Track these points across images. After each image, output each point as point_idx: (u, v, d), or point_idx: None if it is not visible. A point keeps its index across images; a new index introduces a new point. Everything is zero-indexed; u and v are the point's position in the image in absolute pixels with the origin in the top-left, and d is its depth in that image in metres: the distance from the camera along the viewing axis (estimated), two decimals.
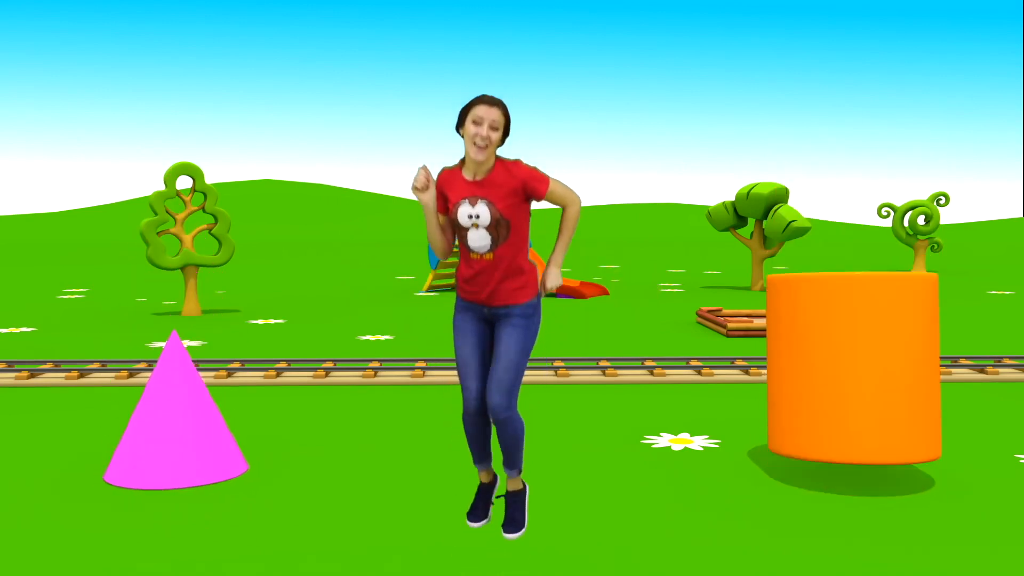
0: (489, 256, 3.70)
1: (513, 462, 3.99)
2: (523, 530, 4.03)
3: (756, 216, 19.67)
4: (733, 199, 20.07)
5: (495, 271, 3.72)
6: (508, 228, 3.69)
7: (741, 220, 20.38)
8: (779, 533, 4.15)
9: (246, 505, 4.55)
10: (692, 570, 3.70)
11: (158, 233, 13.80)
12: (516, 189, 3.68)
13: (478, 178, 3.69)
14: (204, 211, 14.13)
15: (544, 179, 3.71)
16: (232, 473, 5.02)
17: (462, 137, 3.70)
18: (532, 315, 3.83)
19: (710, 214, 20.55)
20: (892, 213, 29.05)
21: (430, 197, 3.72)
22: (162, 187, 13.67)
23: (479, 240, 3.68)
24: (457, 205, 3.69)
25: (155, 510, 4.46)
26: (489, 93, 3.67)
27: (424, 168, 3.69)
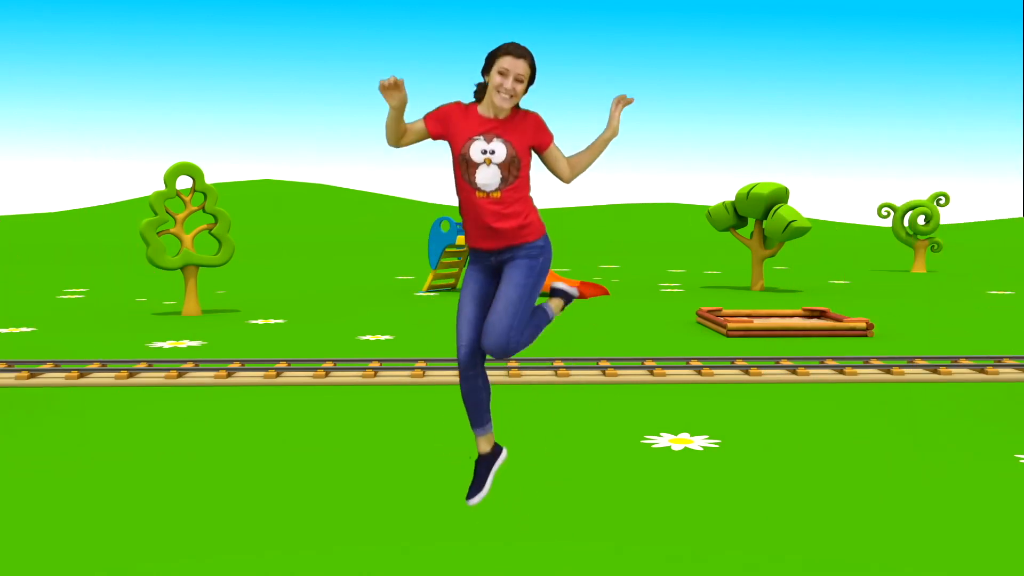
0: (497, 195, 3.68)
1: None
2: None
3: (756, 216, 19.66)
4: (733, 199, 20.07)
5: (501, 212, 3.70)
6: (519, 169, 3.69)
7: (741, 220, 20.36)
8: (779, 534, 4.15)
9: (247, 504, 4.54)
10: (692, 570, 3.70)
11: (158, 233, 13.80)
12: (529, 132, 3.74)
13: (499, 117, 3.70)
14: (204, 211, 14.12)
15: (550, 134, 3.79)
16: None
17: (486, 81, 3.68)
18: (538, 256, 3.80)
19: (710, 214, 20.55)
20: (892, 213, 29.05)
21: (399, 101, 3.52)
22: (162, 187, 13.67)
23: (489, 177, 3.67)
24: (471, 140, 3.66)
25: (154, 510, 4.46)
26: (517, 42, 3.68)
27: (394, 77, 3.53)
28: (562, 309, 4.19)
